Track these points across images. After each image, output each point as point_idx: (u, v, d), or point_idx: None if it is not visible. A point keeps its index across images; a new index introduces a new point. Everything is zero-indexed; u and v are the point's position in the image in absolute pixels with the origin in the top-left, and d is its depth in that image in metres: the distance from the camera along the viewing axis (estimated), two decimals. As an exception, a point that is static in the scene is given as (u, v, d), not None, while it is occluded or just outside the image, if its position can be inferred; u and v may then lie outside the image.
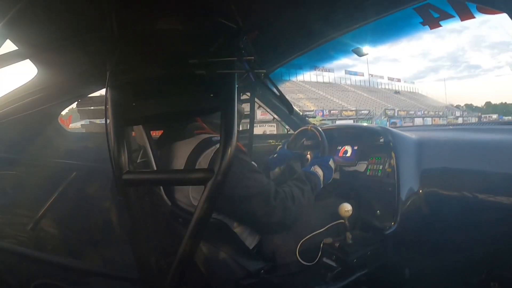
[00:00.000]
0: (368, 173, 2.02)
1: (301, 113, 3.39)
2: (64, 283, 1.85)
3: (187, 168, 1.39)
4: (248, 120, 2.79)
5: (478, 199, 1.64)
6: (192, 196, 1.43)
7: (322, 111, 42.30)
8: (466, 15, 1.65)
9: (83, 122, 3.05)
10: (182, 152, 1.49)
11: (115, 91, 1.15)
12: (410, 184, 1.73)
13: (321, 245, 1.65)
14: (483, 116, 66.98)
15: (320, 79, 58.08)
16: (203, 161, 1.40)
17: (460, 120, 54.47)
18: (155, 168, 1.51)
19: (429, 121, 51.47)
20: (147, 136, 1.57)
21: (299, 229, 1.64)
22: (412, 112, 52.75)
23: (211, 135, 1.51)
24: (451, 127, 2.77)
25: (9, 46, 1.33)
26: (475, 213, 1.60)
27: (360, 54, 2.24)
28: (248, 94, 2.73)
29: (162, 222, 1.55)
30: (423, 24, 1.77)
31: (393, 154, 1.80)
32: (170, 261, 1.16)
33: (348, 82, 64.20)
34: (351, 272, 1.59)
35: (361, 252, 1.63)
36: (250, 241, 1.57)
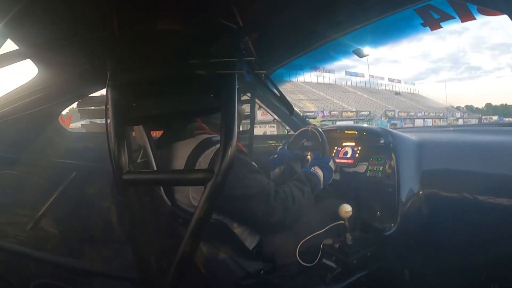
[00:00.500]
0: (368, 174, 2.02)
1: (301, 114, 3.38)
2: (64, 283, 1.85)
3: (187, 169, 1.39)
4: (248, 121, 2.79)
5: (478, 200, 1.64)
6: (192, 197, 1.43)
7: (323, 112, 42.35)
8: (466, 16, 1.65)
9: (83, 122, 3.04)
10: (182, 152, 1.49)
11: (115, 91, 1.15)
12: (410, 186, 1.73)
13: (321, 246, 1.65)
14: (483, 117, 66.82)
15: (320, 80, 58.15)
16: (203, 162, 1.40)
17: (460, 122, 54.41)
18: (155, 168, 1.51)
19: (429, 122, 51.52)
20: (148, 136, 1.57)
21: (299, 230, 1.63)
22: (413, 114, 52.76)
23: (211, 136, 1.51)
24: (451, 128, 2.78)
25: (9, 45, 1.34)
26: (475, 215, 1.60)
27: (360, 55, 2.24)
28: (249, 94, 2.73)
29: (162, 222, 1.55)
30: (424, 25, 1.77)
31: (393, 156, 1.80)
32: (170, 261, 1.16)
33: (349, 83, 64.18)
34: (351, 273, 1.59)
35: (361, 253, 1.63)
36: (250, 242, 1.57)
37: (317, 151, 2.20)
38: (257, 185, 1.43)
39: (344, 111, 45.89)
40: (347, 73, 65.76)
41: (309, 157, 2.44)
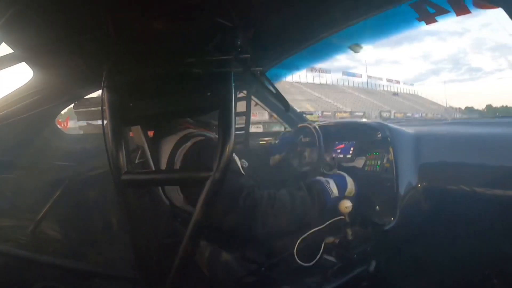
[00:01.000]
0: (366, 169, 2.02)
1: (298, 110, 3.39)
2: (65, 285, 1.85)
3: (187, 167, 1.40)
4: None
5: (478, 192, 1.64)
6: (179, 194, 1.44)
7: (315, 112, 42.24)
8: (461, 10, 1.66)
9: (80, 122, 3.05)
10: (165, 150, 1.51)
11: (111, 92, 1.15)
12: (409, 179, 1.73)
13: (322, 243, 1.64)
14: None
15: (316, 81, 58.06)
16: (179, 159, 1.41)
17: (459, 123, 54.51)
18: (153, 168, 1.51)
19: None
20: (145, 136, 1.57)
21: None
22: (409, 115, 52.66)
23: (190, 131, 1.51)
24: (449, 121, 2.78)
25: (3, 49, 1.33)
26: (475, 207, 1.61)
27: (356, 50, 2.24)
28: (245, 92, 2.73)
29: (162, 222, 1.55)
30: (419, 19, 1.77)
31: (390, 149, 1.80)
32: (171, 261, 1.16)
33: (346, 83, 63.96)
34: (351, 268, 1.60)
35: (361, 248, 1.63)
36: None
37: (314, 147, 2.21)
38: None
39: (338, 112, 45.87)
40: (345, 73, 65.83)
41: (306, 154, 2.45)
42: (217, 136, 1.43)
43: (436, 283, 1.73)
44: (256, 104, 2.96)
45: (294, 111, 3.25)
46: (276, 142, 2.45)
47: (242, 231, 1.42)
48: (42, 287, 1.78)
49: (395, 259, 1.71)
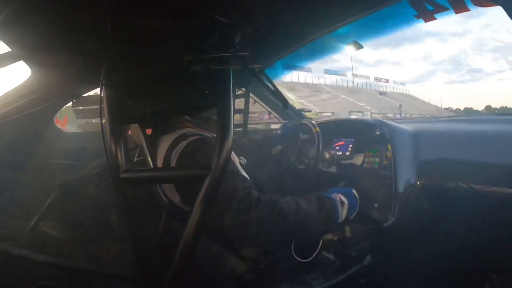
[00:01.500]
0: (365, 166, 2.02)
1: (296, 107, 3.39)
2: (65, 284, 1.85)
3: (186, 166, 1.40)
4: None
5: (476, 190, 1.64)
6: (174, 193, 1.44)
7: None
8: (460, 7, 1.65)
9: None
10: (161, 148, 1.50)
11: (110, 90, 1.14)
12: (407, 176, 1.73)
13: (321, 241, 1.64)
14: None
15: (295, 79, 54.73)
16: (174, 158, 1.41)
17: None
18: (151, 166, 1.51)
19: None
20: (143, 135, 1.57)
21: None
22: (391, 115, 49.98)
23: (187, 130, 1.51)
24: (448, 118, 2.78)
25: (1, 47, 1.33)
26: (474, 204, 1.61)
27: (355, 47, 2.24)
28: (243, 89, 2.73)
29: (161, 220, 1.55)
30: (417, 17, 1.77)
31: (389, 147, 1.80)
32: (170, 259, 1.16)
33: (328, 82, 61.08)
34: (350, 265, 1.60)
35: (360, 245, 1.64)
36: None
37: (313, 145, 2.21)
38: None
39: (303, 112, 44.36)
40: (326, 71, 62.76)
41: (305, 150, 2.46)
42: (214, 135, 1.43)
43: (435, 279, 1.74)
44: (255, 101, 2.96)
45: (292, 108, 3.26)
46: (278, 132, 2.45)
47: (236, 233, 1.38)
48: (41, 286, 1.78)
49: (394, 256, 1.71)
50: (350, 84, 65.04)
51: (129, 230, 1.21)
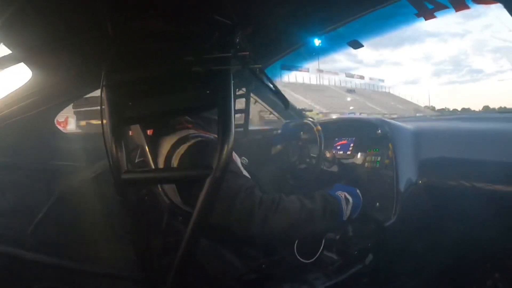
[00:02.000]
0: (366, 165, 2.02)
1: (297, 107, 3.39)
2: (66, 286, 1.85)
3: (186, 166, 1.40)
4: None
5: (478, 188, 1.64)
6: (176, 195, 1.44)
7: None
8: (460, 6, 1.65)
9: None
10: (163, 150, 1.50)
11: (110, 91, 1.14)
12: (409, 175, 1.73)
13: (323, 241, 1.63)
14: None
15: None
16: (175, 161, 1.41)
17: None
18: (153, 167, 1.52)
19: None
20: (144, 135, 1.57)
21: None
22: (352, 114, 47.36)
23: (188, 132, 1.51)
24: (448, 117, 2.78)
25: (2, 49, 1.33)
26: (476, 203, 1.60)
27: (355, 46, 2.24)
28: (244, 89, 2.73)
29: (162, 221, 1.55)
30: (418, 15, 1.77)
31: (390, 146, 1.80)
32: (171, 259, 1.16)
33: (293, 80, 56.25)
34: (352, 265, 1.60)
35: (361, 245, 1.63)
36: None
37: (314, 144, 2.21)
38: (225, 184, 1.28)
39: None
40: (285, 67, 57.78)
41: (306, 150, 2.45)
42: (215, 136, 1.43)
43: (437, 279, 1.74)
44: (256, 101, 2.96)
45: (293, 108, 3.26)
46: (279, 131, 2.45)
47: (239, 232, 1.38)
48: (42, 288, 1.78)
49: (396, 255, 1.71)
50: (315, 82, 61.67)
51: (131, 231, 1.22)
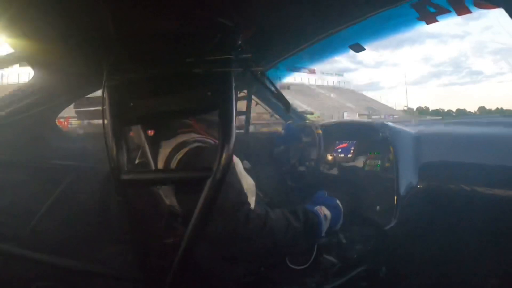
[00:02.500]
0: (366, 169, 2.02)
1: (298, 110, 3.40)
2: (65, 285, 1.85)
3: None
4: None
5: (478, 192, 1.64)
6: (172, 195, 1.44)
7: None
8: (462, 10, 1.65)
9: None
10: (163, 152, 1.50)
11: (112, 91, 1.15)
12: (409, 179, 1.73)
13: (315, 247, 1.61)
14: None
15: None
16: (173, 164, 1.40)
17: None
18: (153, 168, 1.52)
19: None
20: (145, 136, 1.57)
21: None
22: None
23: (192, 136, 1.51)
24: (450, 121, 2.78)
25: (5, 48, 1.34)
26: (476, 207, 1.60)
27: (357, 50, 2.23)
28: (245, 91, 2.74)
29: (162, 222, 1.55)
30: (419, 19, 1.77)
31: (391, 149, 1.80)
32: (170, 260, 1.16)
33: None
34: (351, 268, 1.60)
35: (361, 248, 1.63)
36: None
37: (314, 149, 2.21)
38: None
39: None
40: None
41: (307, 153, 2.45)
42: (215, 141, 1.43)
43: (437, 282, 1.73)
44: (257, 103, 2.97)
45: (294, 110, 3.26)
46: (280, 134, 2.45)
47: (226, 245, 1.38)
48: (41, 287, 1.78)
49: (395, 259, 1.71)
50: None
51: (130, 232, 1.22)
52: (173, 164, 1.41)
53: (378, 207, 1.79)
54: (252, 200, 1.55)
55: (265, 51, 2.02)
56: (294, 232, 1.42)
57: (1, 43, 1.26)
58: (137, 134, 1.58)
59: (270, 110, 3.13)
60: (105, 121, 1.13)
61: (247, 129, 2.84)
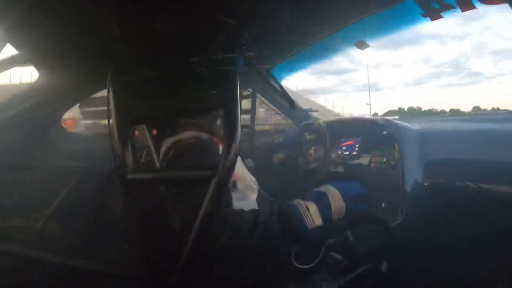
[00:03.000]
0: (371, 166, 2.02)
1: (303, 108, 3.39)
2: (70, 285, 1.86)
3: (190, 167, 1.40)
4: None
5: (485, 189, 1.63)
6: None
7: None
8: (467, 6, 1.64)
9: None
10: (161, 152, 1.51)
11: (117, 92, 1.15)
12: (415, 176, 1.72)
13: (323, 248, 1.59)
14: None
15: None
16: (167, 163, 1.41)
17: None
18: (158, 167, 1.52)
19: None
20: (150, 136, 1.57)
21: None
22: None
23: (187, 135, 1.51)
24: (455, 117, 2.77)
25: (10, 50, 1.34)
26: (482, 204, 1.60)
27: (362, 47, 2.23)
28: (250, 90, 2.73)
29: (168, 221, 1.56)
30: (424, 15, 1.76)
31: (396, 146, 1.80)
32: (176, 260, 1.17)
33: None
34: (357, 266, 1.59)
35: (367, 246, 1.63)
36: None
37: (320, 145, 2.20)
38: None
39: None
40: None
41: (312, 151, 2.44)
42: (213, 138, 1.44)
43: (443, 280, 1.73)
44: (262, 102, 2.96)
45: (299, 108, 3.25)
46: (281, 140, 2.44)
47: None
48: (47, 287, 1.79)
49: (401, 257, 1.70)
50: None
51: (136, 231, 1.22)
52: (168, 161, 1.41)
53: (383, 205, 1.78)
54: (252, 198, 1.55)
55: (270, 49, 2.02)
56: (265, 230, 1.36)
57: (6, 43, 1.27)
58: (142, 134, 1.59)
59: (275, 108, 3.13)
60: (111, 121, 1.13)
61: (253, 128, 2.83)
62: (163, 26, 1.18)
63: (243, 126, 2.48)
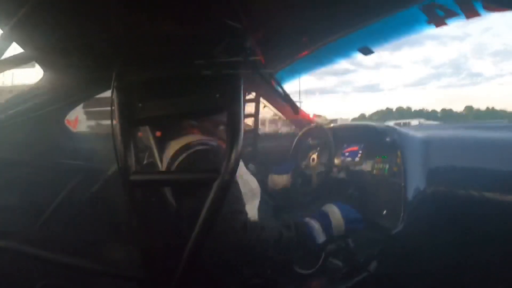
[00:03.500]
0: (374, 172, 2.01)
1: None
2: (70, 283, 1.85)
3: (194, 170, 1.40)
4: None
5: (486, 197, 1.63)
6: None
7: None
8: (471, 13, 1.64)
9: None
10: (167, 154, 1.50)
11: (121, 92, 1.15)
12: (417, 183, 1.72)
13: (323, 253, 1.60)
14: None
15: None
16: (175, 167, 1.41)
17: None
18: (161, 169, 1.52)
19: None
20: (153, 137, 1.57)
21: None
22: None
23: (196, 138, 1.51)
24: (458, 125, 2.77)
25: (15, 48, 1.34)
26: (484, 212, 1.59)
27: (366, 53, 2.22)
28: (254, 93, 2.74)
29: (169, 223, 1.56)
30: (429, 22, 1.76)
31: (399, 153, 1.79)
32: (176, 261, 1.16)
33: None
34: (358, 273, 1.59)
35: (368, 252, 1.63)
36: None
37: (323, 150, 2.20)
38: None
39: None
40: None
41: (314, 156, 2.44)
42: (218, 143, 1.44)
43: (443, 287, 1.72)
44: (265, 106, 2.96)
45: (303, 113, 3.25)
46: (289, 137, 2.43)
47: (223, 250, 1.38)
48: (46, 285, 1.78)
49: (402, 264, 1.70)
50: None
51: (137, 231, 1.22)
52: (175, 166, 1.42)
53: (385, 211, 1.78)
54: (255, 203, 1.55)
55: (274, 53, 2.02)
56: (289, 241, 1.41)
57: (12, 42, 1.27)
58: (145, 135, 1.59)
59: (278, 112, 3.12)
60: (114, 122, 1.13)
61: (256, 132, 2.83)
62: (168, 28, 1.18)
63: (246, 131, 2.49)
